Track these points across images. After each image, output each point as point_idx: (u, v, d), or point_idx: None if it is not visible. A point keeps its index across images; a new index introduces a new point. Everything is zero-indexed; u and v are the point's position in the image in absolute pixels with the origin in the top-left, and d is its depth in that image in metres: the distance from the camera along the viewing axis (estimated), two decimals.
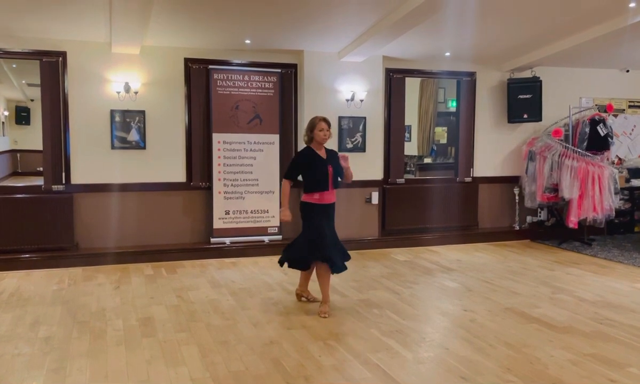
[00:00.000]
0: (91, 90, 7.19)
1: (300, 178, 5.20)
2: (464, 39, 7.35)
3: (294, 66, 7.96)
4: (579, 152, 8.23)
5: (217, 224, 7.62)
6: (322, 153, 5.13)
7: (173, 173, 7.59)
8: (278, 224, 7.85)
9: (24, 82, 12.91)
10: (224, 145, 7.63)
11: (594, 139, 8.45)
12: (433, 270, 6.94)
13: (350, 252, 5.41)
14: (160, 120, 7.49)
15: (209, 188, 7.64)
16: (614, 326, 4.82)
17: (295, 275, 6.58)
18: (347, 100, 7.93)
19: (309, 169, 5.09)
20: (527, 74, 8.72)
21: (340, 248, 5.24)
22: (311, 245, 5.07)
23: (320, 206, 5.07)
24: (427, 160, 11.53)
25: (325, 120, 5.08)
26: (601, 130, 8.46)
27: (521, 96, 8.65)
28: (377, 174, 8.31)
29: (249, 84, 7.71)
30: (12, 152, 14.63)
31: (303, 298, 5.51)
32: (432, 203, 8.53)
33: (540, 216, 9.10)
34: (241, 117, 7.69)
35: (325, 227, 5.08)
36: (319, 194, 5.06)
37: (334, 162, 5.12)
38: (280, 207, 5.19)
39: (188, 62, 7.54)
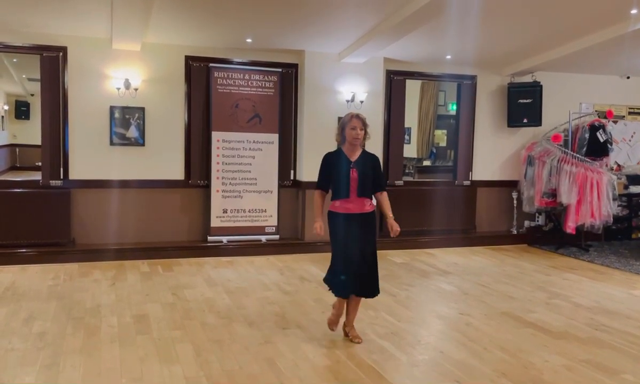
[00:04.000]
0: (91, 86, 7.18)
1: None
2: (465, 43, 7.35)
3: (295, 66, 7.95)
4: (578, 157, 8.23)
5: (215, 222, 7.60)
6: (354, 156, 4.41)
7: (171, 170, 7.57)
8: (275, 224, 7.85)
9: (24, 76, 12.93)
10: (223, 143, 7.62)
11: (593, 145, 8.46)
12: (430, 272, 6.94)
13: None
14: (159, 118, 7.47)
15: (207, 187, 7.63)
16: (610, 333, 4.81)
17: (291, 274, 6.60)
18: (347, 101, 7.91)
19: (331, 173, 4.44)
20: (527, 79, 8.72)
21: (363, 274, 4.43)
22: (333, 270, 4.51)
23: (340, 216, 4.39)
24: (426, 163, 11.52)
25: (358, 116, 4.39)
26: (601, 136, 8.46)
27: (521, 100, 8.65)
28: None
29: (249, 83, 7.70)
30: (11, 146, 14.66)
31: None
32: (430, 206, 8.50)
33: (538, 221, 9.09)
34: (241, 115, 7.68)
35: (349, 245, 4.38)
36: (339, 202, 4.39)
37: (365, 167, 4.41)
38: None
39: (189, 59, 7.53)
